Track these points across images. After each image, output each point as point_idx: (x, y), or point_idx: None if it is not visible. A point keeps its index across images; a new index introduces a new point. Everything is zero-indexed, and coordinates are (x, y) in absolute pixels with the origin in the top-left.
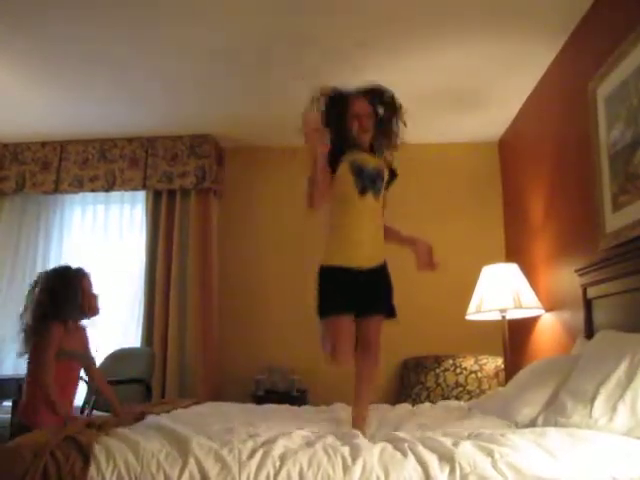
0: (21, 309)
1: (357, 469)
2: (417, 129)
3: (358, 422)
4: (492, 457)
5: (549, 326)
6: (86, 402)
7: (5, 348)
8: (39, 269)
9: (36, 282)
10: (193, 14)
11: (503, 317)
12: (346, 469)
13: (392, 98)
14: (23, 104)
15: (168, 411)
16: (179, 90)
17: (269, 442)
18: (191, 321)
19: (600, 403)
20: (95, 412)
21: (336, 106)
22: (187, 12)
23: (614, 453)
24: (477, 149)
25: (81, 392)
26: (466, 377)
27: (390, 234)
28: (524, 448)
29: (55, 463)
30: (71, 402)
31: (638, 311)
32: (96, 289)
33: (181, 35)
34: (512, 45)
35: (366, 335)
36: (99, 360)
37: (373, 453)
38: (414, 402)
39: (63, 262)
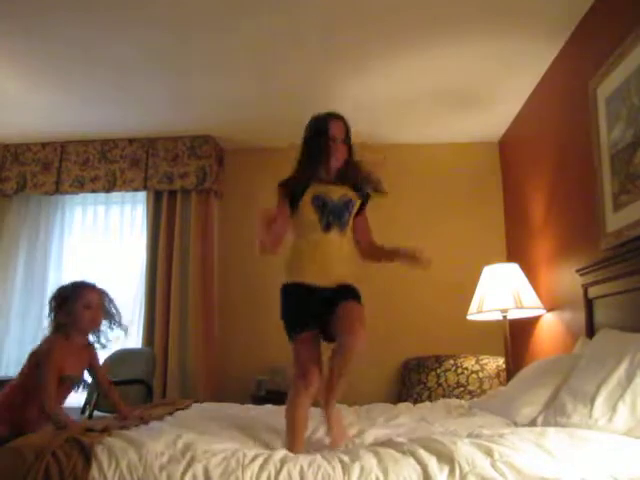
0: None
1: (355, 469)
2: (417, 129)
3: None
4: (492, 457)
5: (550, 326)
6: (87, 402)
7: (6, 349)
8: (40, 270)
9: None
10: (193, 16)
11: (504, 317)
12: (345, 469)
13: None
14: (24, 105)
15: (171, 413)
16: (180, 91)
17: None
18: (192, 321)
19: (600, 403)
20: (97, 412)
21: (313, 128)
22: (187, 14)
23: (614, 453)
24: (478, 149)
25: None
26: (467, 377)
27: (373, 252)
28: (524, 448)
29: (57, 463)
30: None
31: (639, 311)
32: (109, 303)
33: (181, 36)
34: (512, 45)
35: (344, 315)
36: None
37: (371, 454)
38: (415, 402)
39: (63, 262)
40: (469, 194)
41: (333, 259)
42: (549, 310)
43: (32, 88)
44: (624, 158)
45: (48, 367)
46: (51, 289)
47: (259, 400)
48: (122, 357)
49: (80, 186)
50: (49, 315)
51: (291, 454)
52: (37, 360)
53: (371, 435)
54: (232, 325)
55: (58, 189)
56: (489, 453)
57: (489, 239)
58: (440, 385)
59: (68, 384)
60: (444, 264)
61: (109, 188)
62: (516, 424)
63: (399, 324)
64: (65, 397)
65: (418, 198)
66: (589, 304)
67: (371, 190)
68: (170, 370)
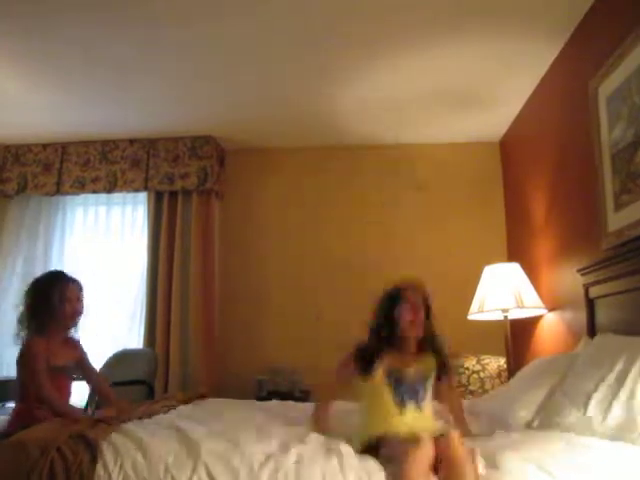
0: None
1: None
2: (418, 130)
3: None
4: None
5: (551, 326)
6: (89, 402)
7: (5, 350)
8: (41, 271)
9: (25, 292)
10: (194, 16)
11: (505, 317)
12: None
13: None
14: (24, 106)
15: (174, 406)
16: (180, 91)
17: (281, 448)
18: (193, 322)
19: (594, 404)
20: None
21: (388, 298)
22: (188, 14)
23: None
24: (479, 149)
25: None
26: (468, 377)
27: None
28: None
29: (62, 459)
30: None
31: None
32: (83, 296)
33: (182, 37)
34: (513, 45)
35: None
36: (102, 361)
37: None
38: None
39: (64, 263)
40: (470, 194)
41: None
42: (550, 310)
43: (32, 89)
44: (625, 157)
45: (36, 368)
46: None
47: (260, 400)
48: (123, 358)
49: (81, 187)
50: (25, 310)
51: (305, 457)
52: (23, 365)
53: None
54: (233, 325)
55: (59, 190)
56: None
57: (490, 239)
58: None
59: (64, 375)
60: (445, 263)
61: (110, 189)
62: (512, 426)
63: None
64: (68, 391)
65: (419, 198)
66: (590, 304)
67: (445, 365)
68: (172, 371)
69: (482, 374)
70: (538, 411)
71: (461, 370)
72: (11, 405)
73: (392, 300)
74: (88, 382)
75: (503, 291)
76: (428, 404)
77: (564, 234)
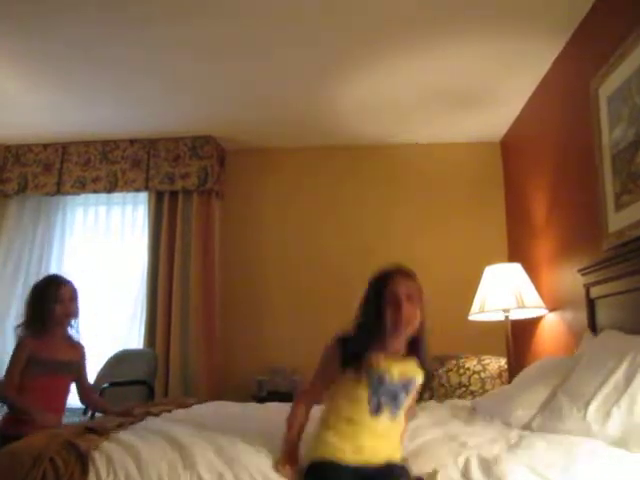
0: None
1: None
2: (419, 129)
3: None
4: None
5: (552, 326)
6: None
7: (4, 350)
8: (41, 271)
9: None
10: (195, 15)
11: (506, 317)
12: None
13: None
14: (25, 106)
15: (169, 410)
16: (181, 91)
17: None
18: (193, 322)
19: (595, 408)
20: (98, 415)
21: (373, 289)
22: (189, 13)
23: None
24: (479, 149)
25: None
26: (469, 377)
27: None
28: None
29: (54, 470)
30: (57, 410)
31: None
32: (77, 297)
33: (183, 36)
34: (514, 45)
35: None
36: (102, 361)
37: None
38: (417, 402)
39: (64, 263)
40: (471, 194)
41: (375, 446)
42: (551, 310)
43: (33, 89)
44: (626, 158)
45: (13, 359)
46: None
47: (260, 400)
48: (124, 358)
49: (81, 187)
50: (24, 312)
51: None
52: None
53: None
54: (233, 325)
55: (59, 190)
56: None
57: (491, 239)
58: (442, 385)
59: (64, 371)
60: (446, 264)
61: (110, 189)
62: (511, 426)
63: None
64: (67, 388)
65: (420, 198)
66: (591, 304)
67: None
68: (172, 371)
69: (483, 374)
70: (538, 412)
71: (462, 371)
72: None
73: (377, 293)
74: (78, 387)
75: (504, 291)
76: (401, 416)
77: (565, 234)
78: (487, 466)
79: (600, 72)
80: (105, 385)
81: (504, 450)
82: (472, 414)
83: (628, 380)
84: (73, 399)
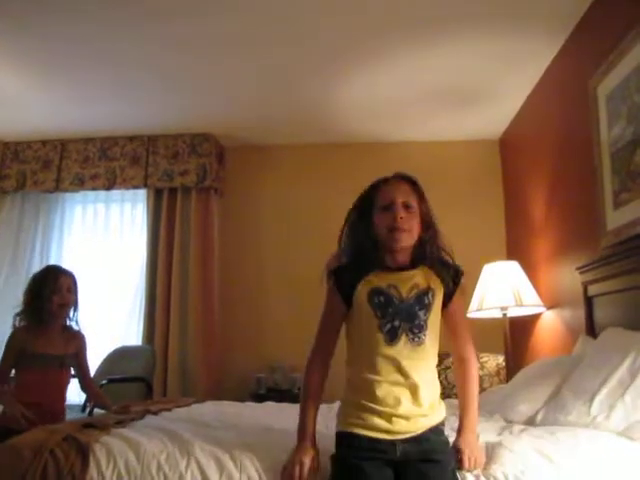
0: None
1: None
2: (418, 127)
3: None
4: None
5: (550, 324)
6: (88, 400)
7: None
8: (39, 268)
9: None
10: (195, 12)
11: (504, 315)
12: None
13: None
14: (24, 103)
15: (169, 409)
16: (180, 88)
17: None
18: (192, 319)
19: (599, 401)
20: (97, 410)
21: (362, 203)
22: (189, 10)
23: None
24: (478, 147)
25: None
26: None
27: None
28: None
29: (55, 462)
30: (53, 404)
31: (639, 309)
32: (76, 288)
33: (183, 33)
34: (513, 43)
35: None
36: (101, 358)
37: None
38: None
39: (63, 260)
40: (470, 192)
41: (396, 391)
42: (549, 308)
43: (32, 86)
44: (624, 156)
45: (4, 350)
46: None
47: (259, 398)
48: (122, 354)
49: (80, 184)
50: (23, 302)
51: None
52: None
53: None
54: (232, 323)
55: (58, 187)
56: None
57: (489, 237)
58: (440, 383)
59: (57, 364)
60: None
61: (109, 186)
62: (512, 422)
63: None
64: (64, 380)
65: None
66: (589, 302)
67: (456, 274)
68: (170, 368)
69: (481, 372)
70: (541, 407)
71: None
72: None
73: (368, 200)
74: (78, 377)
75: (502, 289)
76: (431, 339)
77: (563, 232)
78: (491, 449)
79: (599, 70)
80: (103, 382)
81: (510, 436)
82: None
83: (633, 375)
84: (71, 395)
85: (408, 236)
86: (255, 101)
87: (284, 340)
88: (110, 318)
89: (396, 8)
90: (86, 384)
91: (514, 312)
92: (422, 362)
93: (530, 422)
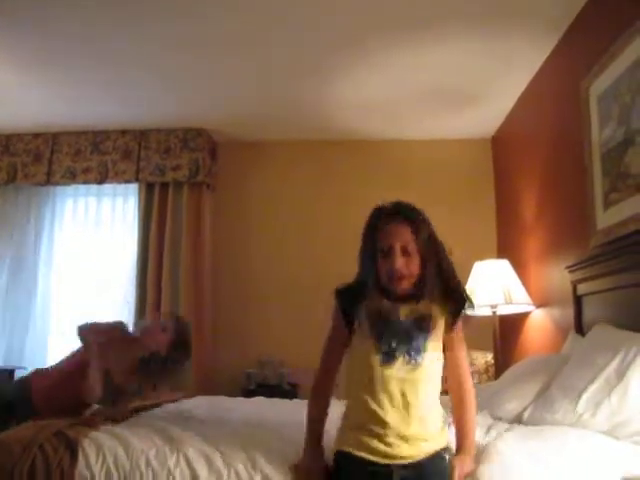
0: None
1: None
2: (411, 125)
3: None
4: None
5: (539, 322)
6: None
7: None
8: (29, 261)
9: None
10: (189, 8)
11: (494, 313)
12: None
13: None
14: (16, 96)
15: (159, 405)
16: (173, 83)
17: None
18: (183, 315)
19: (586, 399)
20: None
21: (366, 232)
22: (183, 6)
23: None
24: (470, 146)
25: None
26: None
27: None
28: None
29: (43, 457)
30: None
31: (628, 308)
32: None
33: (176, 29)
34: (506, 43)
35: None
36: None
37: None
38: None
39: (54, 254)
40: (461, 190)
41: (399, 413)
42: (538, 306)
43: (24, 79)
44: (615, 157)
45: None
46: (41, 281)
47: (248, 393)
48: None
49: (72, 177)
50: None
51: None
52: None
53: None
54: (223, 318)
55: (49, 180)
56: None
57: (480, 235)
58: None
59: None
60: None
61: (101, 180)
62: (500, 419)
63: None
64: None
65: (410, 194)
66: (578, 301)
67: (459, 303)
68: None
69: (470, 369)
70: (529, 405)
71: None
72: None
73: (368, 240)
74: None
75: (492, 287)
76: (430, 363)
77: (554, 231)
78: (480, 449)
79: (591, 71)
80: None
81: (496, 436)
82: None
83: (619, 375)
84: None
85: (407, 282)
86: (249, 98)
87: (275, 336)
88: (100, 313)
89: (388, 8)
90: None
91: (504, 310)
92: (420, 385)
93: (517, 419)
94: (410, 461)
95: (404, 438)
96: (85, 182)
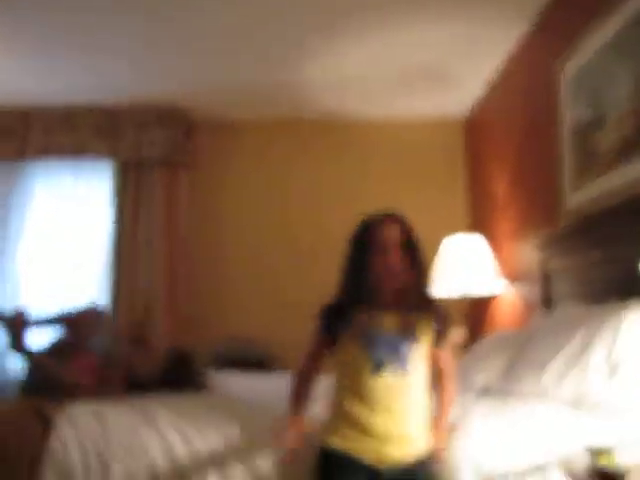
0: None
1: None
2: (384, 106)
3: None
4: None
5: (510, 299)
6: None
7: None
8: (1, 238)
9: None
10: None
11: (464, 291)
12: None
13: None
14: None
15: None
16: (147, 60)
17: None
18: (157, 294)
19: (551, 372)
20: None
21: (357, 239)
22: None
23: (560, 427)
24: (443, 127)
25: None
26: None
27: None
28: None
29: (16, 432)
30: None
31: (594, 285)
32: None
33: (152, 5)
34: (480, 23)
35: None
36: None
37: None
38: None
39: (26, 232)
40: (434, 170)
41: (389, 417)
42: (509, 283)
43: None
44: (585, 137)
45: None
46: (11, 258)
47: (223, 368)
48: None
49: (44, 154)
50: None
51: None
52: None
53: None
54: (197, 298)
55: (21, 156)
56: None
57: (451, 214)
58: None
59: None
60: None
61: (74, 157)
62: (468, 391)
63: None
64: None
65: (383, 173)
66: (547, 278)
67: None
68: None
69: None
70: (496, 377)
71: None
72: None
73: (359, 242)
74: None
75: (462, 265)
76: (417, 372)
77: (525, 211)
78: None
79: (565, 52)
80: None
81: (464, 408)
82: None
83: (583, 348)
84: None
85: (398, 280)
86: (224, 75)
87: (248, 316)
88: (74, 293)
89: None
90: None
91: (474, 288)
92: (409, 391)
93: (485, 392)
94: (398, 465)
95: (392, 442)
96: (58, 159)
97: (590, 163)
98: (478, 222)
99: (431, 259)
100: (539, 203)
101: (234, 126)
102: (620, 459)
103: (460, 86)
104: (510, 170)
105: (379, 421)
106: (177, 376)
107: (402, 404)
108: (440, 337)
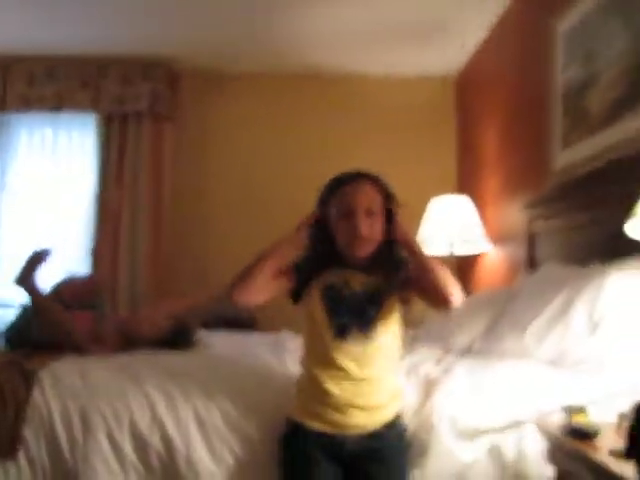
0: None
1: None
2: (374, 61)
3: None
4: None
5: (496, 260)
6: None
7: None
8: None
9: None
10: None
11: (451, 251)
12: None
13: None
14: None
15: None
16: (133, 11)
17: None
18: (141, 250)
19: (532, 331)
20: None
21: (322, 200)
22: None
23: (538, 385)
24: (434, 83)
25: None
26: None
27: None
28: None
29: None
30: None
31: (580, 247)
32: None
33: None
34: None
35: None
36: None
37: None
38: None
39: (7, 185)
40: (422, 127)
41: (350, 387)
42: (495, 244)
43: None
44: (576, 97)
45: None
46: None
47: (207, 326)
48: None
49: (25, 105)
50: None
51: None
52: None
53: None
54: (182, 252)
55: (2, 108)
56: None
57: (439, 172)
58: None
59: None
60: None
61: (56, 109)
62: (450, 351)
63: None
64: None
65: (371, 130)
66: (532, 239)
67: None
68: (119, 298)
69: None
70: (478, 337)
71: None
72: None
73: (324, 204)
74: None
75: (449, 224)
76: (384, 337)
77: (514, 170)
78: (429, 381)
79: (558, 9)
80: None
81: (445, 368)
82: (412, 343)
83: (565, 307)
84: None
85: (369, 244)
86: (211, 25)
87: (233, 271)
88: (57, 247)
89: None
90: None
91: (461, 249)
92: (374, 359)
93: (467, 351)
94: (365, 431)
95: (357, 409)
96: (40, 110)
97: (581, 123)
98: (466, 182)
99: (419, 218)
100: (527, 164)
101: (219, 78)
102: (594, 417)
103: (453, 42)
104: (500, 129)
105: (341, 390)
106: (174, 341)
107: (367, 373)
108: (404, 292)
